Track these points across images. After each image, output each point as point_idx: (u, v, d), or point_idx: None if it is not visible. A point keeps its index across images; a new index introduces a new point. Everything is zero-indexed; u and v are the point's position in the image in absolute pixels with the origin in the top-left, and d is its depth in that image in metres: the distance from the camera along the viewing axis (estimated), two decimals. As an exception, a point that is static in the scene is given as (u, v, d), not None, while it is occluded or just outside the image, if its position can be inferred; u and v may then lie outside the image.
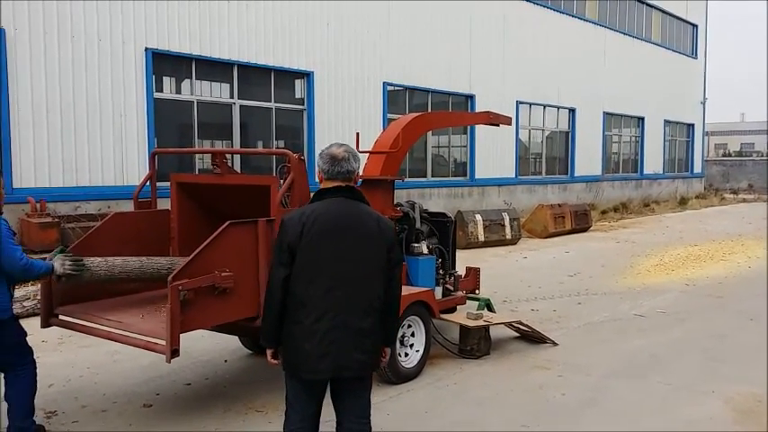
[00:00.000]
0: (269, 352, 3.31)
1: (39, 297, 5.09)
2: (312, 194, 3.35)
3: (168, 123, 11.75)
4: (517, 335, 6.88)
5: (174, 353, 3.98)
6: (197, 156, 11.76)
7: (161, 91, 11.43)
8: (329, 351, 3.11)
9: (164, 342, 4.00)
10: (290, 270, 3.14)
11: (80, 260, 4.37)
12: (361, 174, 6.11)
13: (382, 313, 3.26)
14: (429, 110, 16.25)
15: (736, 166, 41.90)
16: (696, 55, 30.94)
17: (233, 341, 6.26)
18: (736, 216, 22.22)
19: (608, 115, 24.10)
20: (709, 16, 32.25)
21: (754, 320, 7.79)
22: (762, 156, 54.34)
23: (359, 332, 3.16)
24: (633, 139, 26.63)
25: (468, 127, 17.38)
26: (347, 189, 3.26)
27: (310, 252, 3.13)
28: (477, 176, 18.06)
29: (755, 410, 4.99)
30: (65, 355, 6.23)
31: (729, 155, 58.05)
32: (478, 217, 14.19)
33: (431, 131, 15.14)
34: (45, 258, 4.37)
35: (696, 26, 30.70)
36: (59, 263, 4.27)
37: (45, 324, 4.77)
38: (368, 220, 3.24)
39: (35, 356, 4.37)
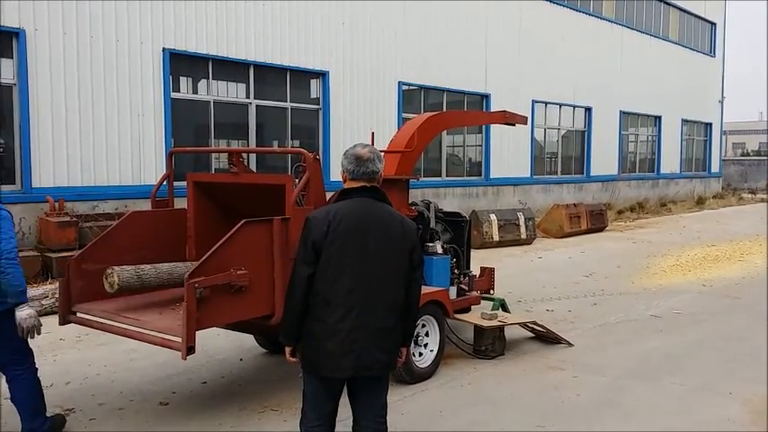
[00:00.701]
0: (288, 350, 3.33)
1: (57, 295, 5.14)
2: (336, 193, 3.38)
3: (185, 123, 11.83)
4: (532, 335, 6.86)
5: (190, 350, 4.01)
6: (213, 155, 11.83)
7: (178, 91, 11.50)
8: (352, 350, 3.14)
9: (180, 339, 4.02)
10: (314, 268, 3.16)
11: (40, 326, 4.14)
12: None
13: (402, 313, 3.30)
14: (444, 109, 16.23)
15: (754, 166, 41.40)
16: (714, 53, 30.62)
17: (248, 340, 6.30)
18: (754, 216, 21.98)
19: (624, 114, 23.92)
20: (728, 14, 31.93)
21: (773, 322, 7.71)
22: (781, 155, 53.72)
23: (381, 332, 3.20)
24: (650, 138, 26.42)
25: (483, 126, 17.33)
26: (372, 189, 3.28)
27: (336, 251, 3.15)
28: (491, 176, 18.00)
29: (773, 413, 4.94)
30: (82, 353, 6.29)
31: (748, 154, 57.45)
32: (493, 217, 14.16)
33: (446, 131, 15.13)
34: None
35: (714, 24, 30.39)
36: (28, 315, 4.03)
37: (63, 322, 4.82)
38: (392, 222, 3.27)
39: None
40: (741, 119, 76.52)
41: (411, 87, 15.78)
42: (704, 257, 12.42)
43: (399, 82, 15.15)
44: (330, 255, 3.15)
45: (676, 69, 26.65)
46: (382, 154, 3.34)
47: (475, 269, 7.21)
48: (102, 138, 10.21)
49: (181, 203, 5.49)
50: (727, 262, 11.99)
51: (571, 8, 20.90)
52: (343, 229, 3.17)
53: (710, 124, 30.58)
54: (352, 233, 3.18)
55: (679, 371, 5.90)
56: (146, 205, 5.60)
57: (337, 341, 3.14)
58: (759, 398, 5.20)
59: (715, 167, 31.64)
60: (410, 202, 6.38)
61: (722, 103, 31.51)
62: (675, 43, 27.16)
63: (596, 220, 16.98)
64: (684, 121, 28.16)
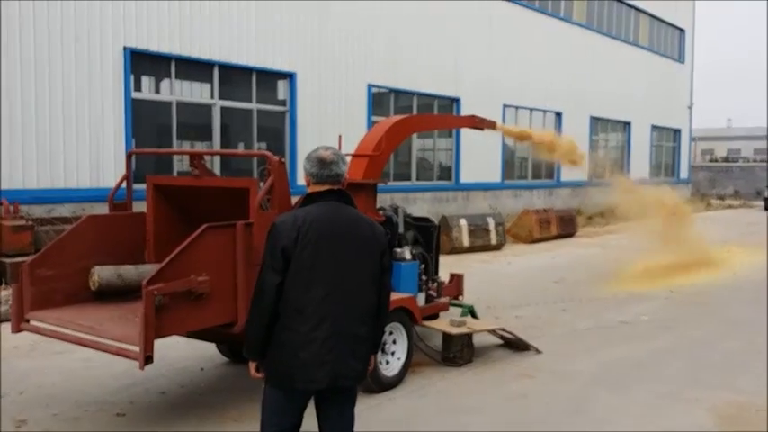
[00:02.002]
0: (252, 365, 3.19)
1: (10, 301, 4.95)
2: (301, 198, 3.28)
3: (147, 124, 11.59)
4: (501, 342, 6.80)
5: (148, 359, 3.89)
6: (176, 157, 11.59)
7: (139, 91, 11.25)
8: (328, 359, 3.03)
9: (137, 348, 3.90)
10: (283, 276, 3.04)
11: None
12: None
13: (375, 319, 3.24)
14: (414, 112, 16.18)
15: (722, 172, 42.20)
16: (683, 60, 31.12)
17: (209, 348, 6.13)
18: (721, 222, 22.34)
19: (595, 119, 24.15)
20: (697, 21, 32.49)
21: (739, 328, 7.76)
22: (748, 162, 54.90)
23: (355, 339, 3.11)
24: (620, 143, 26.72)
25: (454, 130, 17.33)
26: (339, 193, 3.19)
27: (307, 257, 3.04)
28: (462, 180, 18.00)
29: (739, 418, 4.96)
30: (37, 362, 6.09)
31: (716, 161, 58.53)
32: (463, 222, 14.12)
33: (416, 134, 15.07)
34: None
35: (684, 31, 30.89)
36: None
37: (16, 329, 4.66)
38: (363, 225, 3.20)
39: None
40: (710, 125, 78.08)
41: (381, 90, 15.71)
42: (672, 264, 12.51)
43: (369, 84, 15.06)
44: (302, 261, 3.04)
45: (646, 75, 27.01)
46: (347, 156, 3.27)
47: (444, 275, 7.15)
48: (60, 139, 9.93)
49: (140, 207, 5.32)
50: (695, 268, 12.09)
51: (542, 12, 21.04)
52: (314, 234, 3.06)
53: (679, 130, 31.06)
54: (323, 238, 3.07)
55: (647, 377, 5.89)
56: (104, 209, 5.41)
57: (312, 351, 3.02)
58: (725, 404, 5.21)
59: (684, 173, 32.14)
60: (378, 206, 6.28)
61: (691, 109, 32.03)
62: (645, 49, 27.54)
63: (566, 226, 17.08)
64: (654, 127, 28.55)
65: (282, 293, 3.04)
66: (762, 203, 29.99)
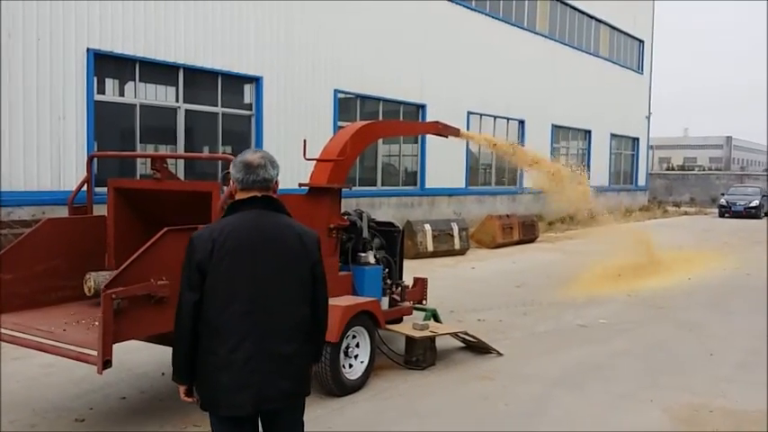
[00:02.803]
0: (182, 389, 2.95)
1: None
2: (225, 208, 3.04)
3: (110, 127, 11.42)
4: (463, 345, 6.88)
5: (107, 364, 3.84)
6: (140, 161, 11.45)
7: (103, 93, 11.09)
8: (250, 382, 2.77)
9: (96, 353, 3.85)
10: (201, 294, 2.81)
11: None
12: (301, 182, 6.03)
13: (311, 334, 2.98)
14: (380, 118, 16.25)
15: (679, 180, 43.24)
16: (642, 70, 31.85)
17: (170, 353, 6.05)
18: (677, 229, 22.88)
19: (556, 127, 24.56)
20: (656, 33, 33.31)
21: (693, 331, 7.97)
22: (704, 170, 56.32)
23: (284, 358, 2.83)
24: (580, 151, 27.20)
25: (420, 136, 17.45)
26: (264, 200, 2.91)
27: (223, 273, 2.80)
28: (427, 186, 18.13)
29: (692, 419, 5.09)
30: (-7, 368, 5.95)
31: (673, 168, 59.92)
32: (427, 227, 14.23)
33: (381, 140, 15.14)
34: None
35: (642, 42, 31.63)
36: None
37: (-28, 335, 4.54)
38: (288, 234, 2.92)
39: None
40: (667, 134, 79.88)
41: (347, 95, 15.75)
42: (630, 268, 12.77)
43: (335, 90, 15.09)
44: (217, 277, 2.79)
45: (606, 85, 27.58)
46: (276, 159, 3.01)
47: (408, 279, 7.20)
48: (20, 141, 9.74)
49: (102, 210, 5.26)
50: (652, 273, 12.37)
51: (506, 22, 21.35)
52: (230, 246, 2.81)
53: (638, 139, 31.75)
54: (241, 251, 2.82)
55: (604, 379, 6.02)
56: (65, 212, 5.34)
57: (232, 374, 2.76)
58: (679, 405, 5.36)
59: (642, 181, 32.85)
60: (343, 211, 6.31)
61: (649, 118, 32.78)
62: (606, 59, 28.12)
63: (528, 231, 17.32)
64: (613, 136, 29.14)
65: (201, 312, 2.82)
66: (716, 210, 30.82)
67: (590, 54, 26.84)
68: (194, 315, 2.83)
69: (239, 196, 2.95)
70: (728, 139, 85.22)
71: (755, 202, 29.53)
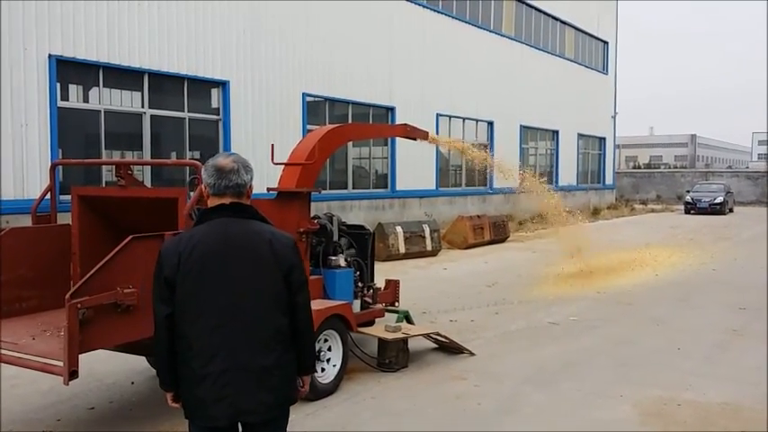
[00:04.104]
0: (168, 396, 2.91)
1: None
2: (195, 216, 2.96)
3: (74, 134, 11.23)
4: (435, 346, 6.90)
5: (73, 374, 3.77)
6: (105, 168, 11.27)
7: (66, 99, 10.91)
8: (225, 395, 2.71)
9: (61, 363, 3.77)
10: (173, 307, 2.76)
11: None
12: (270, 186, 6.01)
13: (293, 343, 2.88)
14: (350, 121, 16.25)
15: (645, 178, 43.98)
16: (607, 71, 32.33)
17: (140, 362, 5.99)
18: (644, 226, 23.25)
19: (524, 128, 24.80)
20: (619, 34, 33.86)
21: (661, 326, 8.11)
22: (669, 168, 57.32)
23: (261, 371, 2.76)
24: (548, 151, 27.51)
25: (389, 139, 17.49)
26: (233, 207, 2.82)
27: (190, 286, 2.73)
28: (398, 188, 18.16)
29: (661, 413, 5.17)
30: (-45, 382, 5.80)
31: (639, 167, 60.94)
32: (399, 229, 14.26)
33: (351, 143, 15.12)
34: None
35: (607, 43, 32.12)
36: None
37: (-68, 349, 4.42)
38: (258, 242, 2.81)
39: None
40: (633, 134, 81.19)
41: (316, 99, 15.71)
42: (599, 266, 12.95)
43: (304, 93, 15.04)
44: (185, 290, 2.73)
45: (572, 85, 27.94)
46: (250, 163, 2.93)
47: (380, 282, 7.21)
48: (-19, 148, 9.53)
49: (66, 219, 5.17)
50: (620, 270, 12.56)
51: (473, 25, 21.50)
52: (196, 258, 2.74)
53: (604, 138, 32.20)
54: (207, 262, 2.75)
55: (574, 376, 6.09)
56: (28, 221, 5.24)
57: (206, 388, 2.71)
58: (649, 400, 5.44)
59: (609, 179, 33.31)
60: (312, 215, 6.29)
61: (615, 118, 33.27)
62: (571, 60, 28.48)
63: (499, 232, 17.45)
64: (580, 136, 29.52)
65: (174, 325, 2.78)
66: (682, 207, 31.40)
67: (556, 55, 27.17)
68: (168, 327, 2.77)
69: (211, 202, 2.86)
70: (693, 137, 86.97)
71: (720, 199, 30.14)
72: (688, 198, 30.96)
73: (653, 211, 32.62)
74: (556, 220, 12.30)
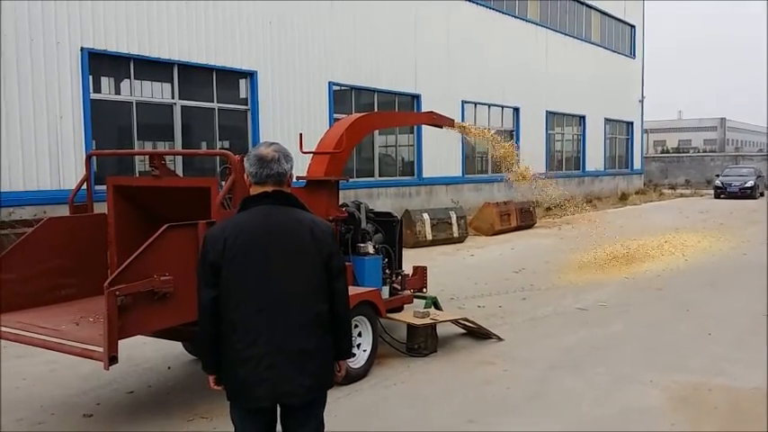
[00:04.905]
0: (210, 378, 3.01)
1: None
2: (239, 204, 3.04)
3: (107, 125, 11.45)
4: (464, 331, 6.95)
5: (112, 360, 3.88)
6: (138, 158, 11.49)
7: (99, 92, 11.12)
8: (267, 377, 2.81)
9: (101, 349, 3.89)
10: (218, 290, 2.85)
11: None
12: (299, 175, 6.08)
13: (331, 329, 2.96)
14: (376, 109, 16.30)
15: (674, 163, 43.36)
16: (634, 55, 31.86)
17: (176, 347, 6.14)
18: (673, 211, 22.97)
19: (551, 114, 24.60)
20: (646, 17, 33.31)
21: (691, 311, 8.05)
22: (698, 152, 56.39)
23: (301, 354, 2.85)
24: (575, 137, 27.25)
25: (415, 126, 17.49)
26: (275, 195, 2.91)
27: (235, 271, 2.83)
28: (424, 175, 18.18)
29: (692, 398, 5.15)
30: (-1, 367, 6.00)
31: (668, 151, 60.02)
32: (426, 216, 14.29)
33: (377, 131, 15.18)
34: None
35: (634, 27, 31.63)
36: None
37: (-24, 334, 4.59)
38: (299, 229, 2.90)
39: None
40: (661, 118, 79.96)
41: (342, 88, 15.76)
42: (627, 251, 12.86)
43: (330, 82, 15.11)
44: (230, 275, 2.83)
45: (599, 70, 27.60)
46: (290, 152, 3.02)
47: (408, 268, 7.26)
48: (18, 141, 9.77)
49: (102, 208, 5.30)
50: (649, 255, 12.46)
51: (497, 10, 21.33)
52: (241, 244, 2.83)
53: (632, 123, 31.79)
54: (251, 248, 2.84)
55: (603, 361, 6.08)
56: (66, 211, 5.38)
57: (248, 369, 2.81)
58: (678, 385, 5.42)
59: (637, 164, 32.91)
60: (341, 203, 6.36)
61: (642, 102, 32.81)
62: (597, 45, 28.11)
63: (526, 218, 17.38)
64: (607, 120, 29.18)
65: (219, 308, 2.87)
66: (712, 192, 30.93)
67: (582, 40, 26.84)
68: (213, 311, 2.86)
69: (253, 190, 2.95)
70: (723, 120, 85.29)
71: (750, 183, 29.64)
72: (718, 182, 30.48)
73: (682, 195, 32.18)
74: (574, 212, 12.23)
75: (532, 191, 11.12)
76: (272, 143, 3.02)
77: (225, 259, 2.83)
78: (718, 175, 32.00)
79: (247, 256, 2.84)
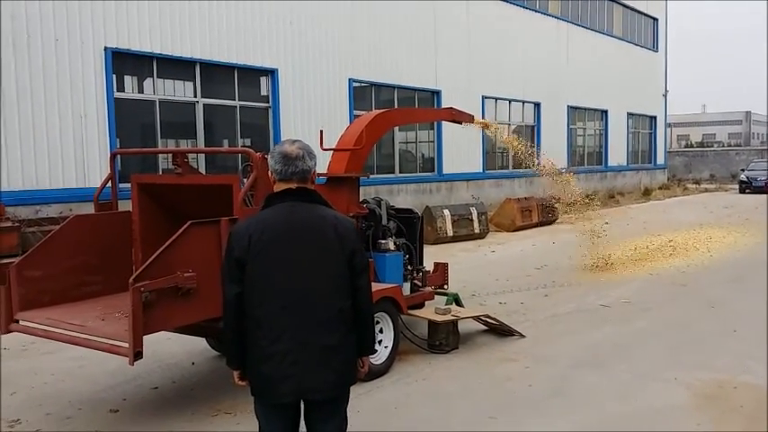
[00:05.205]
0: (235, 374, 3.05)
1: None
2: (263, 200, 3.07)
3: (130, 123, 11.59)
4: (485, 328, 6.93)
5: (138, 355, 3.93)
6: (161, 156, 11.61)
7: (122, 90, 11.26)
8: (291, 373, 2.83)
9: (127, 345, 3.94)
10: (242, 287, 2.87)
11: None
12: (319, 172, 6.10)
13: (354, 325, 2.98)
14: (396, 105, 16.29)
15: (698, 157, 42.82)
16: (657, 48, 31.47)
17: (200, 343, 6.20)
18: (698, 206, 22.67)
19: (572, 109, 24.39)
20: (669, 10, 32.87)
21: (716, 308, 7.96)
22: (723, 146, 55.59)
23: (325, 350, 2.87)
24: (597, 131, 27.01)
25: (435, 122, 17.46)
26: (299, 192, 2.94)
27: (260, 266, 2.85)
28: (444, 171, 18.14)
29: (716, 396, 5.09)
30: (28, 362, 6.11)
31: (691, 146, 59.25)
32: (447, 212, 14.27)
33: (397, 127, 15.18)
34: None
35: (656, 20, 31.23)
36: None
37: (5, 330, 4.67)
38: (323, 226, 2.92)
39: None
40: (684, 112, 78.87)
41: (362, 84, 15.78)
42: (651, 247, 12.75)
43: (350, 79, 15.13)
44: (255, 271, 2.85)
45: (621, 64, 27.30)
46: (313, 150, 3.04)
47: (428, 265, 7.26)
48: (43, 140, 9.93)
49: (126, 206, 5.37)
50: (673, 251, 12.32)
51: (518, 5, 21.19)
52: (266, 240, 2.85)
53: (655, 117, 31.43)
54: (276, 244, 2.86)
55: (626, 358, 6.04)
56: (91, 208, 5.46)
57: (273, 365, 2.83)
58: (702, 383, 5.36)
59: (660, 159, 32.54)
60: (361, 199, 6.37)
61: (666, 96, 32.41)
62: (620, 39, 27.81)
63: (547, 214, 17.27)
64: (630, 115, 28.87)
65: (243, 304, 2.89)
66: (737, 186, 30.49)
67: (604, 34, 26.56)
68: (237, 307, 2.89)
69: (277, 187, 2.97)
70: (748, 114, 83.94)
71: (776, 177, 29.14)
72: (743, 177, 29.99)
73: (706, 190, 31.75)
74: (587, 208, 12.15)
75: (556, 185, 10.99)
76: (296, 140, 3.04)
77: (250, 255, 2.85)
78: (743, 170, 31.52)
79: (272, 253, 2.86)
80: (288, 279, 2.86)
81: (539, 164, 10.11)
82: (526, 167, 10.40)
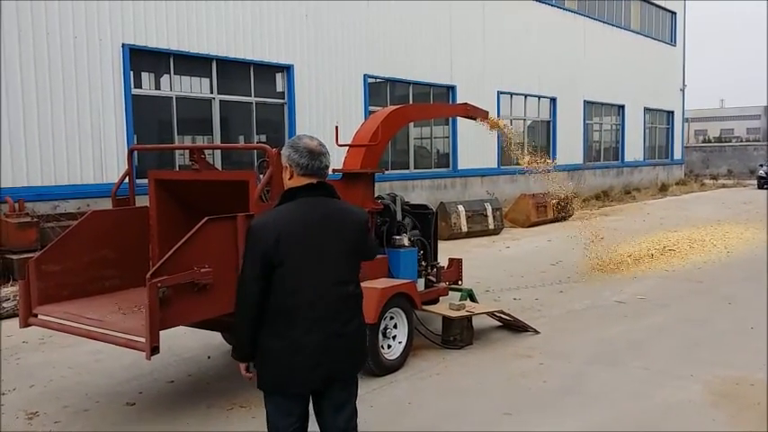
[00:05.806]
0: (242, 366, 3.06)
1: (18, 297, 5.05)
2: (281, 195, 3.07)
3: (147, 120, 11.68)
4: (499, 324, 6.93)
5: (154, 350, 3.98)
6: (178, 152, 11.69)
7: (139, 87, 11.34)
8: (323, 361, 2.92)
9: (143, 339, 3.98)
10: (266, 282, 2.88)
11: None
12: (335, 168, 6.11)
13: (360, 308, 3.14)
14: (411, 101, 16.27)
15: (715, 152, 42.35)
16: (675, 42, 31.14)
17: (216, 337, 6.26)
18: (715, 202, 22.47)
19: (588, 104, 24.22)
20: (687, 4, 32.51)
21: (733, 305, 7.89)
22: (741, 141, 54.97)
23: (349, 337, 2.99)
24: (614, 126, 26.80)
25: (450, 118, 17.42)
26: (321, 186, 2.99)
27: (291, 260, 2.87)
28: (459, 167, 18.10)
29: (733, 393, 5.06)
30: (46, 356, 6.19)
31: (709, 141, 58.62)
32: (461, 208, 14.25)
33: (412, 123, 15.16)
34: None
35: (675, 14, 30.90)
36: None
37: (24, 324, 4.74)
38: (342, 219, 3.02)
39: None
40: (702, 106, 78.10)
41: (377, 80, 15.77)
42: (667, 243, 12.65)
43: (365, 75, 15.13)
44: (286, 265, 2.86)
45: (638, 58, 27.05)
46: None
47: (443, 260, 7.26)
48: (62, 136, 10.03)
49: (144, 201, 5.42)
50: (690, 247, 12.22)
51: (534, 0, 21.05)
52: (294, 234, 2.88)
53: (672, 112, 31.13)
54: (307, 238, 2.91)
55: (642, 355, 6.01)
56: (109, 204, 5.52)
57: (306, 355, 2.89)
58: (719, 380, 5.33)
59: (677, 154, 32.23)
60: (376, 195, 6.39)
61: (683, 91, 32.08)
62: (637, 33, 27.56)
63: (562, 209, 17.18)
64: (647, 110, 28.62)
65: (266, 298, 2.89)
66: (755, 182, 30.15)
67: (621, 28, 26.33)
68: (260, 302, 2.90)
69: (296, 182, 2.99)
70: (766, 108, 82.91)
71: (796, 173, 28.80)
72: (761, 172, 29.66)
73: (724, 186, 31.43)
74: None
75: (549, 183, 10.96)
76: (312, 137, 3.10)
77: (279, 249, 2.86)
78: (761, 165, 31.13)
79: (303, 246, 2.91)
80: (319, 271, 2.94)
81: (527, 161, 10.00)
82: (516, 164, 10.33)
